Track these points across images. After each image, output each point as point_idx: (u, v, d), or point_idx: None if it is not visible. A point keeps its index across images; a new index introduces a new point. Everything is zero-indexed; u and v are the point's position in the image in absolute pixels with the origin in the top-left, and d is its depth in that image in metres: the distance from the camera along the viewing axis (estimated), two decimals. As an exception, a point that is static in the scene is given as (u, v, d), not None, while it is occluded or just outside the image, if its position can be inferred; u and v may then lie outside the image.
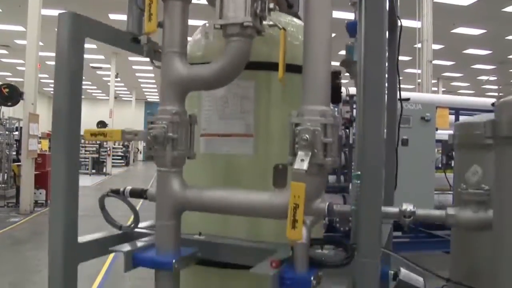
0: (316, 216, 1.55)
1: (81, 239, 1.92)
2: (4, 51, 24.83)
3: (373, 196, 1.69)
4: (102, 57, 25.70)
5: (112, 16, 17.18)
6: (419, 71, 15.45)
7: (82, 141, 29.83)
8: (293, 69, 1.97)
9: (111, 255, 8.15)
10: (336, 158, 1.53)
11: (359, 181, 1.78)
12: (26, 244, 9.05)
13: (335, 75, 2.31)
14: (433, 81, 18.07)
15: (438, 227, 8.16)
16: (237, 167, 2.13)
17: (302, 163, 1.43)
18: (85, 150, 28.88)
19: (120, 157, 34.58)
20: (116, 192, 1.99)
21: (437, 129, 8.69)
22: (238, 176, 2.12)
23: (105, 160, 28.17)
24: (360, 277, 1.73)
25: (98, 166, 27.36)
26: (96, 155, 27.99)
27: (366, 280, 1.72)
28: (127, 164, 35.68)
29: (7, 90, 12.74)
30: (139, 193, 1.94)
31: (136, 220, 2.00)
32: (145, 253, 1.78)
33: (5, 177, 14.65)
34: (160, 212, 1.76)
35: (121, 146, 35.79)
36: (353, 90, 6.75)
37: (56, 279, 1.78)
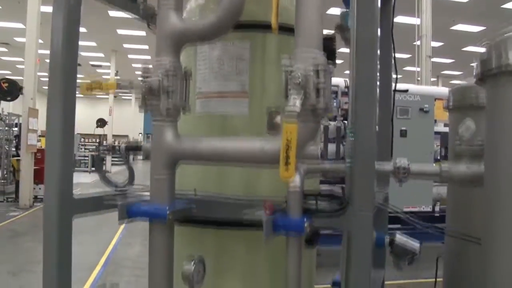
0: (309, 159, 1.56)
1: (77, 195, 1.92)
2: (3, 49, 24.84)
3: (366, 148, 1.71)
4: (101, 55, 25.68)
5: (111, 13, 17.22)
6: (419, 69, 15.42)
7: (82, 139, 29.87)
8: (288, 30, 1.98)
9: (111, 246, 8.22)
10: (329, 103, 1.54)
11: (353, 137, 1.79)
12: (25, 237, 9.05)
13: (330, 40, 2.32)
14: (432, 79, 18.04)
15: (437, 220, 8.14)
16: (232, 127, 2.14)
17: (294, 103, 1.44)
18: (85, 148, 28.94)
19: (120, 155, 34.60)
20: (111, 149, 2.00)
21: (435, 121, 8.66)
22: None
23: (105, 158, 28.17)
24: (354, 229, 1.74)
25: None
26: (96, 153, 27.97)
27: (360, 232, 1.74)
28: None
29: (6, 85, 12.76)
30: (134, 148, 1.95)
31: (131, 178, 2.01)
32: (139, 205, 1.79)
33: (5, 172, 14.65)
34: (155, 163, 1.77)
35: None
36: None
37: (50, 231, 1.78)
